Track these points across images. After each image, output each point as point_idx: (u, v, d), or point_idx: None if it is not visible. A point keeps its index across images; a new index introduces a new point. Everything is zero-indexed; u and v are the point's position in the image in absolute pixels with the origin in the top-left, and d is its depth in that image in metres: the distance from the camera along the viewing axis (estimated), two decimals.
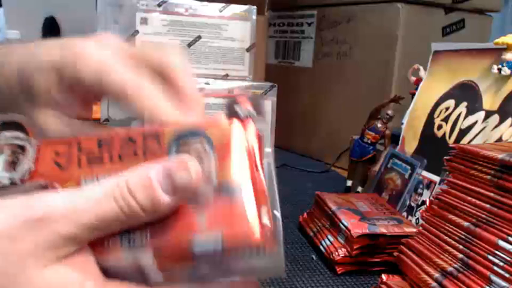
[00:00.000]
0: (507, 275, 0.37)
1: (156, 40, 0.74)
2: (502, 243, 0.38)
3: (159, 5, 0.74)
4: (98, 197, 0.23)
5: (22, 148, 0.26)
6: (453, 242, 0.43)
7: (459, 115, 0.63)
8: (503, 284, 0.37)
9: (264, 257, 0.24)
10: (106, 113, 0.68)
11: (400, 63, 0.93)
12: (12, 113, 0.27)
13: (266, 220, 0.24)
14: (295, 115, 1.16)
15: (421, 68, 0.75)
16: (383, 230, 0.54)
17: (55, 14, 1.45)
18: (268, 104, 0.72)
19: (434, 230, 0.46)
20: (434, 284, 0.42)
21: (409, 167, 0.69)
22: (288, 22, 1.18)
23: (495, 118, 0.58)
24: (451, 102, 0.66)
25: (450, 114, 0.65)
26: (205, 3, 0.76)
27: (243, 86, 0.74)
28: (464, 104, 0.63)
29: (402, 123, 0.75)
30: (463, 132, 0.62)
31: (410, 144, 0.71)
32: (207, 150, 0.25)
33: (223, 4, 0.76)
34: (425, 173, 0.66)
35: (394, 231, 0.55)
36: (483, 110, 0.60)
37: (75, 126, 0.31)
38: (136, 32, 0.73)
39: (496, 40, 0.60)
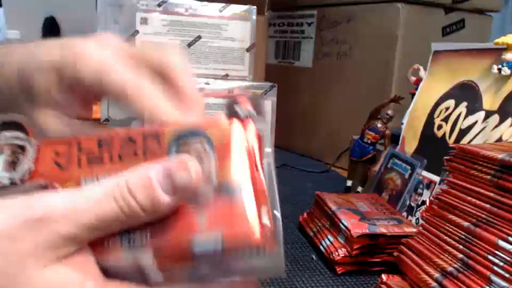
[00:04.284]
0: (507, 275, 0.37)
1: (156, 40, 0.73)
2: (502, 243, 0.38)
3: (159, 5, 0.74)
4: (98, 197, 0.23)
5: (22, 148, 0.26)
6: (453, 242, 0.43)
7: (459, 115, 0.63)
8: (503, 284, 0.37)
9: (264, 257, 0.24)
10: (106, 113, 0.68)
11: (400, 63, 0.93)
12: (12, 113, 0.27)
13: (266, 220, 0.24)
14: (295, 115, 1.16)
15: (421, 68, 0.75)
16: (383, 230, 0.54)
17: (55, 14, 1.45)
18: (268, 104, 0.72)
19: (434, 230, 0.46)
20: (434, 284, 0.42)
21: (409, 167, 0.69)
22: (288, 22, 1.18)
23: (495, 118, 0.58)
24: (451, 102, 0.66)
25: (450, 114, 0.65)
26: (205, 3, 0.76)
27: (243, 86, 0.74)
28: (464, 104, 0.63)
29: (402, 123, 0.75)
30: (463, 132, 0.62)
31: (410, 144, 0.71)
32: (207, 150, 0.25)
33: (223, 4, 0.76)
34: (425, 173, 0.66)
35: (394, 231, 0.55)
36: (483, 110, 0.60)
37: (75, 126, 0.31)
38: (136, 32, 0.73)
39: (496, 40, 0.60)
